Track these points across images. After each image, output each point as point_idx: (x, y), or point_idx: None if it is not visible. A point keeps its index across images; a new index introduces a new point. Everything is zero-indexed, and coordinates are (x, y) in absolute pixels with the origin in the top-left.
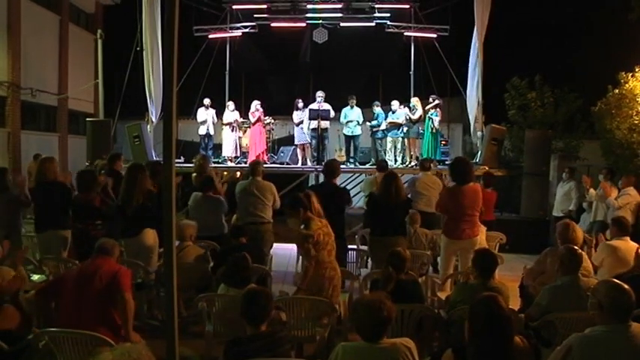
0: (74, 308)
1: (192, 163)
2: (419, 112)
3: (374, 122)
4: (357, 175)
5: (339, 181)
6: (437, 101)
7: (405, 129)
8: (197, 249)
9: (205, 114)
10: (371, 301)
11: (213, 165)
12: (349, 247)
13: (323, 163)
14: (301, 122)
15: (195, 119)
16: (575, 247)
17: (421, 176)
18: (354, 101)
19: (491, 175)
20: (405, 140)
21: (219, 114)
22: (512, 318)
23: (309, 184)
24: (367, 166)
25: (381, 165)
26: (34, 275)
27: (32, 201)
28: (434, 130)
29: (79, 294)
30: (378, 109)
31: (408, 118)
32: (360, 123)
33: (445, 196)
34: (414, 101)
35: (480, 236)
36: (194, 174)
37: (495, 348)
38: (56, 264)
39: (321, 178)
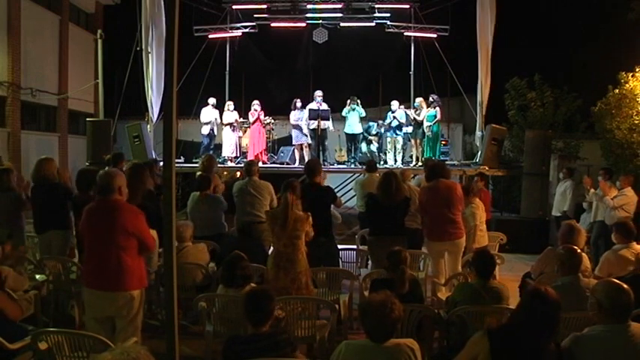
0: (97, 252)
1: (192, 163)
2: (424, 112)
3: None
4: (357, 174)
5: (339, 180)
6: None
7: (410, 129)
8: (197, 248)
9: (210, 114)
10: (381, 302)
11: None
12: (349, 247)
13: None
14: (298, 122)
15: (198, 119)
16: (575, 247)
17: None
18: (356, 101)
19: (484, 175)
20: (409, 140)
21: (220, 114)
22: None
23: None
24: None
25: (370, 165)
26: (37, 275)
27: (31, 201)
28: (428, 130)
29: (97, 237)
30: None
31: (412, 118)
32: (361, 119)
33: (421, 195)
34: (419, 101)
35: (463, 240)
36: (198, 173)
37: (538, 339)
38: (56, 264)
39: None
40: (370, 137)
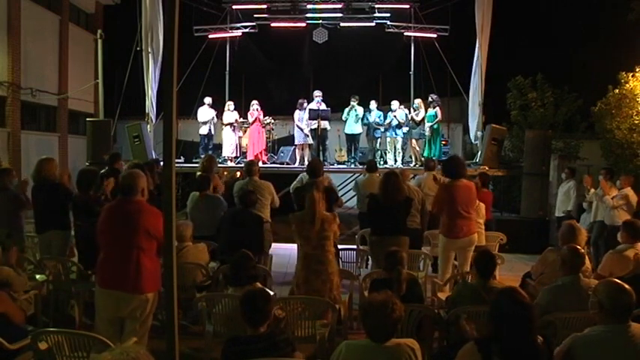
0: (117, 252)
1: (192, 163)
2: (422, 113)
3: (374, 120)
4: (357, 175)
5: (339, 180)
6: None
7: (407, 129)
8: (197, 248)
9: (207, 113)
10: (383, 302)
11: None
12: (349, 247)
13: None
14: (300, 122)
15: (196, 119)
16: (578, 247)
17: (426, 177)
18: (357, 100)
19: (487, 175)
20: (407, 140)
21: (220, 114)
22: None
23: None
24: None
25: (370, 165)
26: (37, 275)
27: (32, 201)
28: (429, 131)
29: (118, 238)
30: (374, 107)
31: (410, 118)
32: (360, 120)
33: (440, 193)
34: (418, 102)
35: (476, 235)
36: (199, 173)
37: (521, 338)
38: (56, 264)
39: None
40: (372, 122)
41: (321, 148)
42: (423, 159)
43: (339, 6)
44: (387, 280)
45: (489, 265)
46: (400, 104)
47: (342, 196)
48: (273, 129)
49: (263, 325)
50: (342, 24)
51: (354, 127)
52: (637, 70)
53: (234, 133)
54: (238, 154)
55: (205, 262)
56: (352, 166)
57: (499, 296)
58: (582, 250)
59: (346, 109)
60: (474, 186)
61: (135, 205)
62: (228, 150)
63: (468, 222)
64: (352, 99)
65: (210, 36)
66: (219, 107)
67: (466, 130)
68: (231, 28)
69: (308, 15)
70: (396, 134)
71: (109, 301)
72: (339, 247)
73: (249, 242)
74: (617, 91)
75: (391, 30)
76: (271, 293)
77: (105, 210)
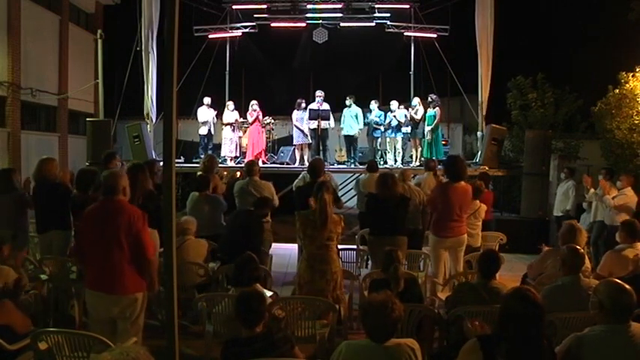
0: (100, 254)
1: (192, 163)
2: (421, 111)
3: (374, 119)
4: (357, 174)
5: (339, 180)
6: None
7: (409, 129)
8: (198, 242)
9: (206, 113)
10: (382, 302)
11: None
12: (349, 247)
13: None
14: (299, 122)
15: (196, 119)
16: (578, 247)
17: (426, 177)
18: (353, 100)
19: (488, 175)
20: (409, 140)
21: (220, 114)
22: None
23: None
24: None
25: (371, 165)
26: (42, 275)
27: (33, 201)
28: (429, 135)
29: (101, 238)
30: (375, 107)
31: (410, 118)
32: (358, 121)
33: (436, 192)
34: (416, 101)
35: (465, 236)
36: (199, 173)
37: (530, 338)
38: (56, 264)
39: None
40: (371, 121)
41: (321, 147)
42: (423, 159)
43: (339, 6)
44: (386, 279)
45: (493, 266)
46: (399, 105)
47: (342, 196)
48: (273, 129)
49: (258, 325)
50: (342, 24)
51: (350, 128)
52: (637, 70)
53: (234, 133)
54: (238, 154)
55: (204, 257)
56: (352, 166)
57: (512, 295)
58: (582, 250)
59: (344, 110)
60: (470, 189)
61: (116, 204)
62: (228, 150)
63: (458, 224)
64: (347, 99)
65: (210, 36)
66: (219, 107)
67: (466, 130)
68: (231, 28)
69: (308, 15)
70: (395, 134)
71: (99, 302)
72: (339, 247)
73: (249, 243)
74: (617, 91)
75: (391, 30)
76: (270, 293)
77: (88, 211)
